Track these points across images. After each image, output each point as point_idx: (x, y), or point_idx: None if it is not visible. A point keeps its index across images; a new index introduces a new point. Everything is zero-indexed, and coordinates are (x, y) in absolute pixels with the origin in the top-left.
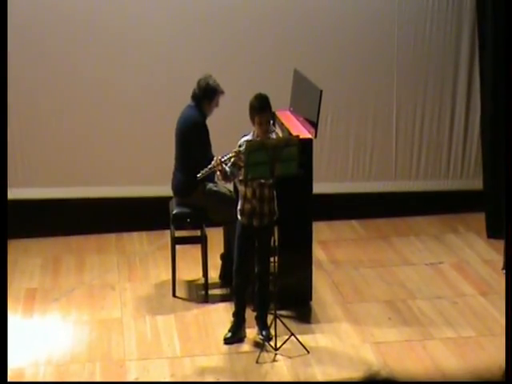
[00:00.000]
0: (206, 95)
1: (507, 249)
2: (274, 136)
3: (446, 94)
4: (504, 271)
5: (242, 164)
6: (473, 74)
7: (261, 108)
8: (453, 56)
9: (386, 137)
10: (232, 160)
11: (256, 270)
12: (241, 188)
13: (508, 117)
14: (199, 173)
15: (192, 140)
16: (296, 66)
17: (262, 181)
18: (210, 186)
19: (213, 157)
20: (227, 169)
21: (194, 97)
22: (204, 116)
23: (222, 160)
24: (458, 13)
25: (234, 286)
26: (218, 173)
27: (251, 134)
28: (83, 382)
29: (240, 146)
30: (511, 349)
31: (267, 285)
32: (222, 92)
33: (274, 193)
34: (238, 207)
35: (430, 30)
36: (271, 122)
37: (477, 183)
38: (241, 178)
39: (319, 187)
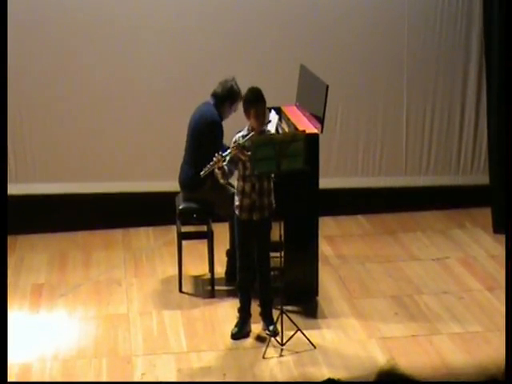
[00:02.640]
0: (230, 97)
1: (507, 244)
2: (269, 128)
3: (456, 89)
4: None
5: (243, 158)
6: (483, 69)
7: (256, 99)
8: (463, 51)
9: (396, 132)
10: (228, 156)
11: (257, 266)
12: (238, 183)
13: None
14: (202, 170)
15: (206, 138)
16: (305, 62)
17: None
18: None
19: None
20: (225, 166)
21: (216, 96)
22: (221, 117)
23: (223, 156)
24: (468, 7)
25: (238, 281)
26: (217, 171)
27: (245, 129)
28: (81, 383)
29: (235, 142)
30: (511, 346)
31: (269, 279)
32: (242, 98)
33: (272, 185)
34: (236, 203)
35: (439, 25)
36: (274, 115)
37: (487, 178)
38: (240, 173)
39: (329, 182)
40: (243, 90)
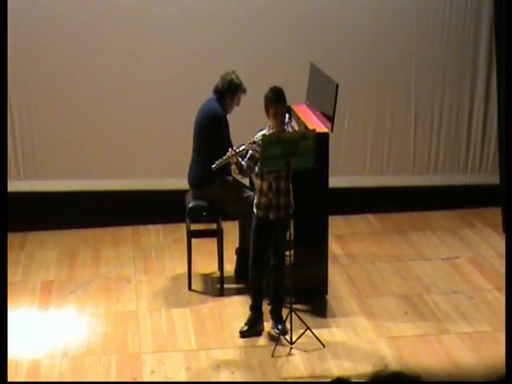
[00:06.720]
0: (230, 90)
1: (507, 243)
2: (289, 128)
3: (465, 88)
4: None
5: (257, 155)
6: (492, 68)
7: (276, 99)
8: (472, 49)
9: (404, 131)
10: (249, 153)
11: (271, 263)
12: (257, 182)
13: None
14: (214, 164)
15: (211, 133)
16: (313, 60)
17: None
18: (227, 178)
19: None
20: (243, 163)
21: (217, 91)
22: (225, 111)
23: (237, 151)
24: (477, 4)
25: (251, 279)
26: (234, 166)
27: (267, 128)
28: (83, 383)
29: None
30: (511, 348)
31: (282, 278)
32: (245, 90)
33: (291, 186)
34: (254, 201)
35: (448, 23)
36: (286, 114)
37: (495, 178)
38: (257, 171)
39: (337, 181)
40: (254, 90)
